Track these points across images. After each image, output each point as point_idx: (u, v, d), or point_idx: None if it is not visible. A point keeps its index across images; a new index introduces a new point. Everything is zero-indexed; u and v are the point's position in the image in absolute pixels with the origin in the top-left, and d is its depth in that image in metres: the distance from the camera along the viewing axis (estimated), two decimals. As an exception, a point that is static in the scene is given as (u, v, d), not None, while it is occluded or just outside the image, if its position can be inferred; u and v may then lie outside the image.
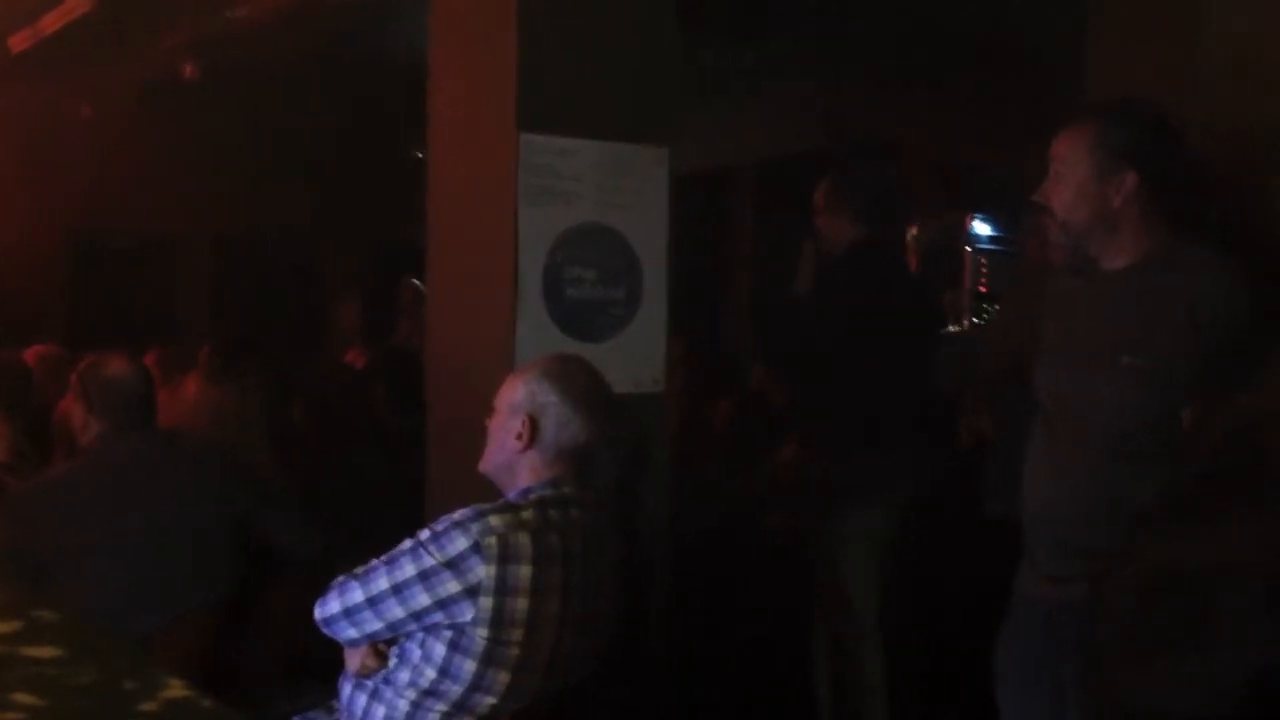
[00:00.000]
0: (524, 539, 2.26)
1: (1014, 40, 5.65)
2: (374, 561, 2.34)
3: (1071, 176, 2.44)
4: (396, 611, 2.27)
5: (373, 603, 2.29)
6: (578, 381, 2.50)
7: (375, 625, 2.31)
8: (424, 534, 2.29)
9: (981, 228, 6.67)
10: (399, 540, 2.34)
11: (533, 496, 2.40)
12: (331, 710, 2.52)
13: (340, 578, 2.37)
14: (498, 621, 2.23)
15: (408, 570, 2.25)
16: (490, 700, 2.29)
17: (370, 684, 2.37)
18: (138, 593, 3.00)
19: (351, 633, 2.35)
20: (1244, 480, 0.81)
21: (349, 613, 2.32)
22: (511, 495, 2.46)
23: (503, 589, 2.23)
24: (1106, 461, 2.43)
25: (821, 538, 3.74)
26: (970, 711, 2.88)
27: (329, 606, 2.36)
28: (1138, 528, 0.86)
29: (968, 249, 6.66)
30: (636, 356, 3.36)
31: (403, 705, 2.31)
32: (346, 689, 2.42)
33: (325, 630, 2.39)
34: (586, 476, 2.49)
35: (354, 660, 2.40)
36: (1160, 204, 2.41)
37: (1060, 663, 2.48)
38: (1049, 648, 2.52)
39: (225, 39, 6.19)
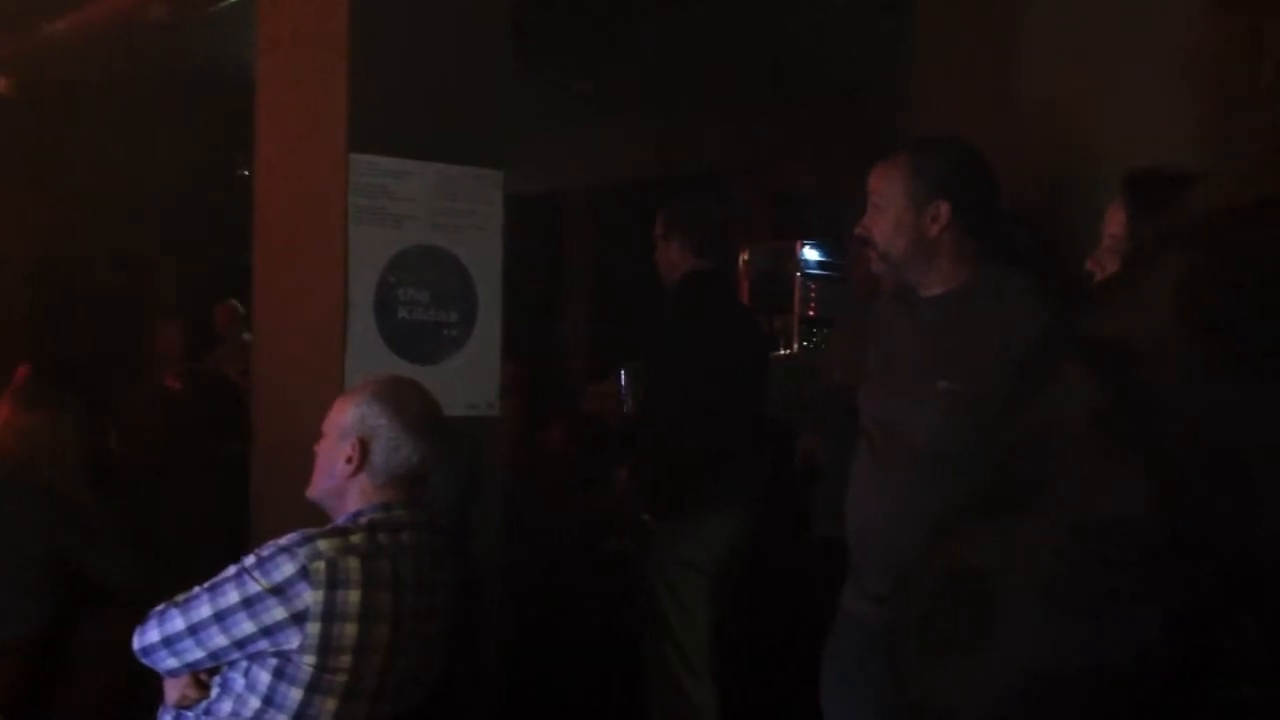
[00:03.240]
0: (353, 564, 2.23)
1: (842, 72, 5.83)
2: (196, 589, 2.27)
3: (889, 208, 2.53)
4: (219, 640, 2.21)
5: (194, 631, 2.23)
6: (410, 404, 2.47)
7: (197, 654, 2.24)
8: (249, 560, 2.24)
9: (811, 254, 6.85)
10: (223, 568, 2.28)
11: (363, 520, 2.37)
12: (151, 744, 2.44)
13: (160, 606, 2.31)
14: (325, 648, 2.20)
15: (231, 597, 2.20)
16: (317, 729, 2.25)
17: (191, 715, 2.30)
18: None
19: (171, 662, 2.28)
20: (1026, 486, 0.87)
21: (169, 641, 2.25)
22: (341, 520, 2.42)
23: (330, 615, 2.19)
24: (926, 483, 2.51)
25: (651, 563, 3.77)
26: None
27: (148, 635, 2.29)
28: (931, 534, 0.91)
29: (797, 274, 6.83)
30: (470, 379, 3.35)
31: (226, 736, 2.25)
32: (166, 721, 2.35)
33: (144, 660, 2.31)
34: (419, 500, 2.47)
35: (174, 691, 2.33)
36: (973, 233, 2.52)
37: (878, 675, 2.55)
38: (871, 663, 2.59)
39: (43, 54, 5.98)
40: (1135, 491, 0.81)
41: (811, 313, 6.75)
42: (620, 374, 4.64)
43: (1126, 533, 0.81)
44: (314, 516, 2.47)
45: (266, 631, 2.19)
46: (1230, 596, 0.81)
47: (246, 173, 3.55)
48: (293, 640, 2.18)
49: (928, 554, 0.93)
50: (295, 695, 2.21)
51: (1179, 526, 0.81)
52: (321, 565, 2.19)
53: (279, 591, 2.18)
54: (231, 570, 2.25)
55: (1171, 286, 0.86)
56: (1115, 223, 2.10)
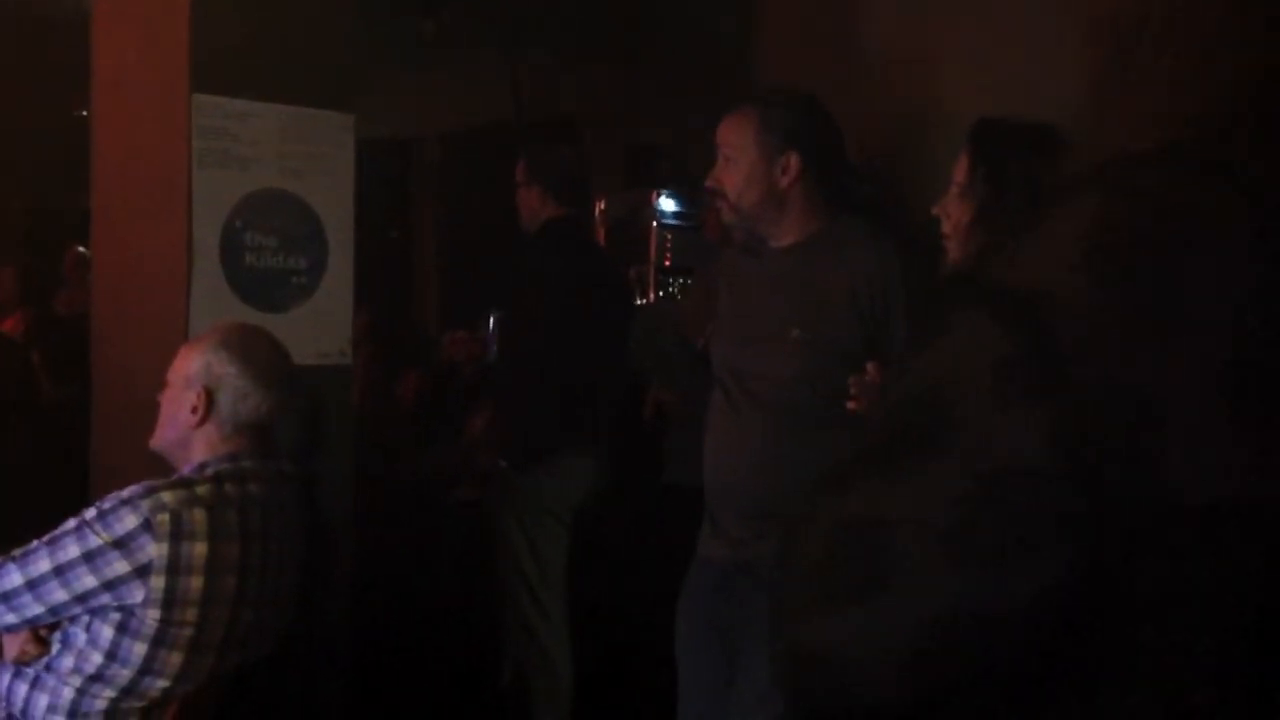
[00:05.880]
0: (199, 515, 2.19)
1: (698, 18, 5.83)
2: (34, 542, 2.21)
3: (740, 160, 2.55)
4: (59, 595, 2.15)
5: (32, 586, 2.16)
6: (258, 352, 2.42)
7: (35, 610, 2.18)
8: (90, 513, 2.18)
9: (667, 203, 6.86)
10: (61, 521, 2.21)
11: (209, 472, 2.32)
12: (-13, 702, 2.37)
13: (-5, 561, 2.23)
14: (170, 602, 2.15)
15: (71, 551, 2.14)
16: (162, 683, 2.20)
17: (31, 671, 2.24)
18: None
19: (10, 618, 2.21)
20: (920, 437, 0.86)
21: (6, 597, 2.18)
22: (186, 471, 2.37)
23: (175, 568, 2.15)
24: (778, 429, 2.57)
25: (507, 511, 3.77)
26: (652, 671, 2.99)
27: (-17, 591, 2.22)
28: (822, 485, 0.90)
29: (653, 224, 6.85)
30: (321, 327, 3.29)
31: (67, 692, 2.19)
32: (5, 678, 2.28)
33: (-20, 616, 2.24)
34: (267, 451, 2.43)
35: (13, 647, 2.27)
36: (822, 184, 2.56)
37: (733, 620, 2.61)
38: (723, 606, 2.65)
39: None
40: (1039, 441, 0.80)
41: (667, 263, 6.78)
42: (491, 320, 4.61)
43: (1029, 482, 0.80)
44: (157, 468, 2.41)
45: (108, 585, 2.14)
46: (1136, 546, 0.82)
47: (85, 113, 3.41)
48: (136, 594, 2.14)
49: (818, 504, 0.92)
50: (139, 649, 2.16)
51: (1084, 477, 0.80)
52: (166, 518, 2.15)
53: (121, 545, 2.13)
54: (71, 523, 2.19)
55: (1079, 234, 0.85)
56: (961, 170, 2.17)
